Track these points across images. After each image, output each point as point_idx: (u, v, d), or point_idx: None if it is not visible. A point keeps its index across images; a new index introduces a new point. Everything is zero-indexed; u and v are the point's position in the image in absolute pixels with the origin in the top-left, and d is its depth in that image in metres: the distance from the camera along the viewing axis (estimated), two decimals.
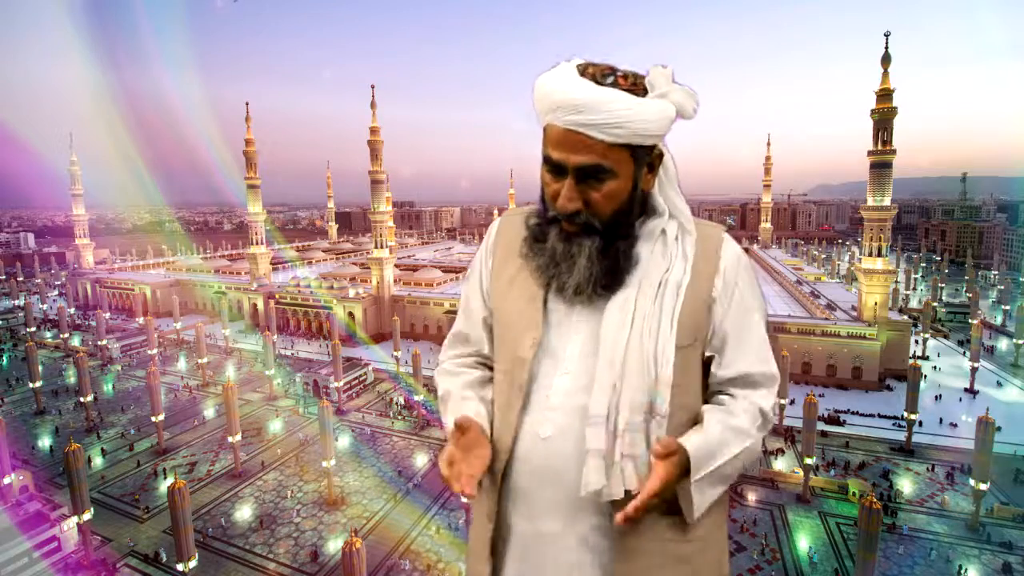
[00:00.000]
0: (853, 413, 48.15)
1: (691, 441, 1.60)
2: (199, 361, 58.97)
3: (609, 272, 1.67)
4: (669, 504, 1.65)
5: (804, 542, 31.44)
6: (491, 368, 2.00)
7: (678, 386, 1.64)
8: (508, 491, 1.79)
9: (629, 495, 1.59)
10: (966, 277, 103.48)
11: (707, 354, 1.76)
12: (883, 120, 55.19)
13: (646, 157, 1.66)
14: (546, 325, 1.76)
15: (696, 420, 1.70)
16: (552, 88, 1.58)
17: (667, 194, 1.79)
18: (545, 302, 1.78)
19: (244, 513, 34.83)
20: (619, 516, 1.52)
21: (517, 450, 1.75)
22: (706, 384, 1.79)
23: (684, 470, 1.58)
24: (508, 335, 1.83)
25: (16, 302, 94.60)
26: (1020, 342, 61.52)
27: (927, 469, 39.15)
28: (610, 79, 1.56)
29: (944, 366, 60.09)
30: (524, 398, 1.74)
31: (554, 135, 1.60)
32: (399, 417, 49.31)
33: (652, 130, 1.58)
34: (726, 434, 1.64)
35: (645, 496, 1.50)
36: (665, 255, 1.72)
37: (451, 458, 1.65)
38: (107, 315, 79.23)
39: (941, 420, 46.26)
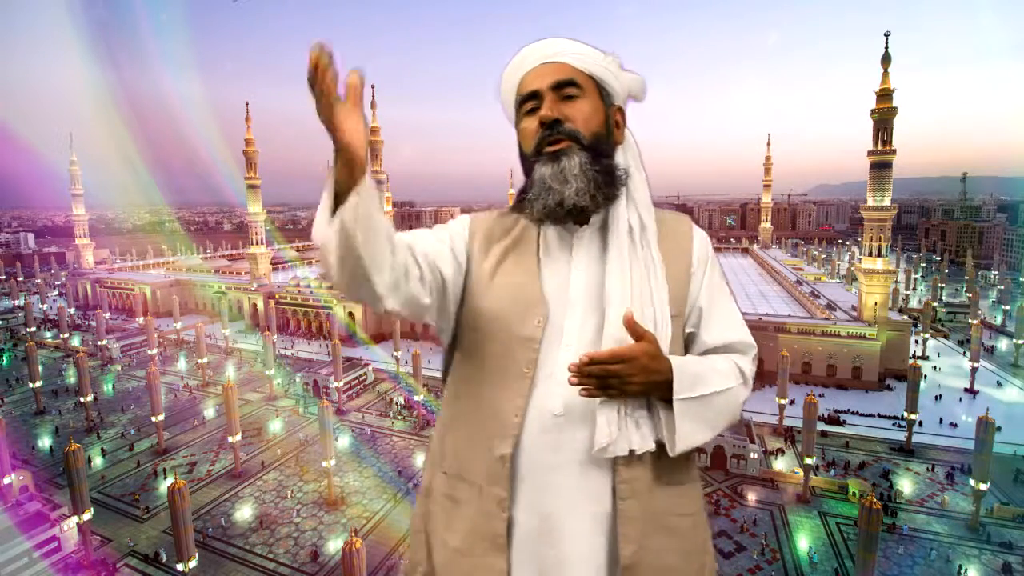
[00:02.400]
0: (853, 413, 48.13)
1: (672, 358, 1.65)
2: (199, 361, 58.95)
3: (606, 179, 1.71)
4: (663, 473, 1.72)
5: (804, 542, 31.43)
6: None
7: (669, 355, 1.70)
8: (516, 476, 1.75)
9: (633, 455, 1.67)
10: (966, 277, 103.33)
11: (687, 330, 1.85)
12: (883, 120, 55.15)
13: (609, 100, 1.79)
14: (545, 303, 1.78)
15: None
16: (523, 50, 1.80)
17: (630, 167, 1.86)
18: (539, 278, 1.82)
19: (244, 513, 34.82)
20: (571, 365, 1.53)
21: (526, 430, 1.73)
22: None
23: (666, 387, 1.61)
24: (506, 318, 1.77)
25: (16, 302, 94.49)
26: (1020, 342, 61.48)
27: (927, 469, 39.13)
28: None
29: (944, 366, 60.03)
30: (531, 378, 1.73)
31: (527, 77, 1.77)
32: (399, 417, 49.31)
33: (609, 69, 1.77)
34: (707, 371, 1.69)
35: (604, 354, 1.54)
36: (641, 229, 1.79)
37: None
38: (107, 315, 79.25)
39: (941, 420, 46.22)
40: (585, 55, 1.74)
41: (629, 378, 1.55)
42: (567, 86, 1.71)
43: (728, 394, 1.70)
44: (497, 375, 1.78)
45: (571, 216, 1.73)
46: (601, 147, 1.73)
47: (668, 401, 1.62)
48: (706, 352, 1.84)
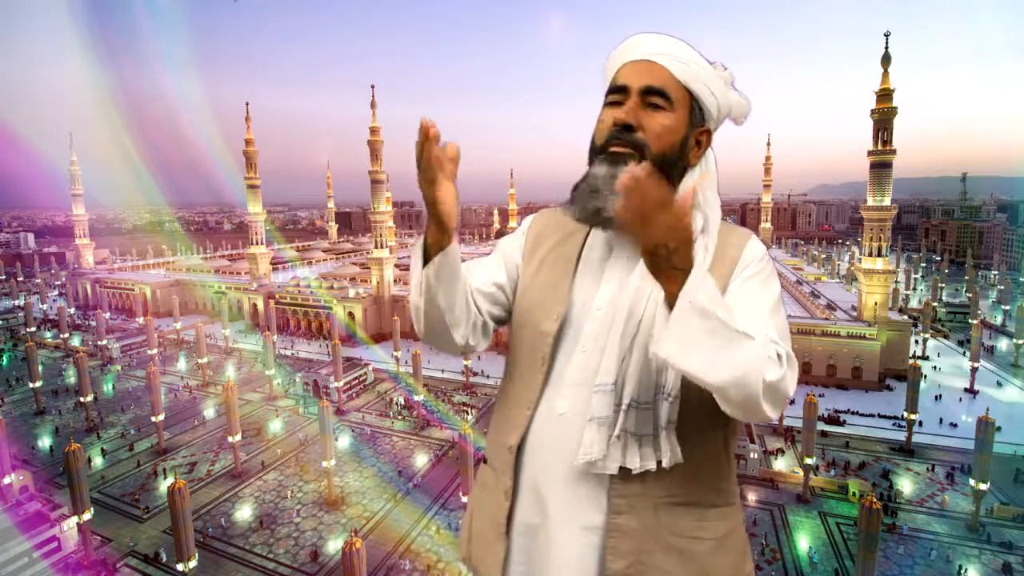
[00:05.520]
0: (853, 413, 48.15)
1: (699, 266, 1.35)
2: (199, 361, 58.93)
3: None
4: (678, 491, 1.63)
5: (804, 542, 31.44)
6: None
7: None
8: (521, 468, 1.79)
9: (627, 473, 1.58)
10: (966, 277, 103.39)
11: None
12: (883, 120, 55.16)
13: (699, 120, 1.73)
14: (571, 303, 1.79)
15: (712, 406, 1.44)
16: (634, 37, 1.75)
17: (706, 190, 1.77)
18: (572, 282, 1.82)
19: (244, 513, 34.82)
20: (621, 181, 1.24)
21: (533, 425, 1.76)
22: None
23: (677, 276, 1.31)
24: (533, 311, 1.84)
25: (16, 302, 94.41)
26: (1020, 342, 61.50)
27: (927, 469, 39.14)
28: None
29: (944, 366, 60.08)
30: (545, 373, 1.76)
31: (625, 68, 1.72)
32: (399, 417, 49.28)
33: (711, 85, 1.70)
34: (734, 308, 1.38)
35: (645, 170, 1.22)
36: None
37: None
38: (107, 315, 79.12)
39: (941, 420, 46.24)
40: (690, 65, 1.68)
41: (658, 215, 1.24)
42: (656, 95, 1.66)
43: (748, 346, 1.32)
44: (521, 368, 1.84)
45: (610, 226, 1.64)
46: (665, 167, 1.65)
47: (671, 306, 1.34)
48: None
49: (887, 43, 53.26)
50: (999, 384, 54.99)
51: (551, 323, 1.76)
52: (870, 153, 55.95)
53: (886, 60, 53.79)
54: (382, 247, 74.38)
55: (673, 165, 1.69)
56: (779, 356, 1.40)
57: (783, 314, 1.68)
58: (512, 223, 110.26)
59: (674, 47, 1.69)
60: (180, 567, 27.30)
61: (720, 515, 1.71)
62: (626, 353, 1.62)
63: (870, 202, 56.93)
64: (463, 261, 1.83)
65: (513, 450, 1.78)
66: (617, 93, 1.70)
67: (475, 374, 57.27)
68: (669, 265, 1.31)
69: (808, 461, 35.48)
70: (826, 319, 59.23)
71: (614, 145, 1.66)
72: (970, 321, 66.28)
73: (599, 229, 1.79)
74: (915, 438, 42.32)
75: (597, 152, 1.70)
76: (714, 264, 1.70)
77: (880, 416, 47.66)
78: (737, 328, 1.32)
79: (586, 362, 1.69)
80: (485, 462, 2.02)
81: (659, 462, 1.60)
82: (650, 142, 1.64)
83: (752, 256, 1.71)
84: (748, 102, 1.80)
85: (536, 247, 1.96)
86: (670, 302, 1.34)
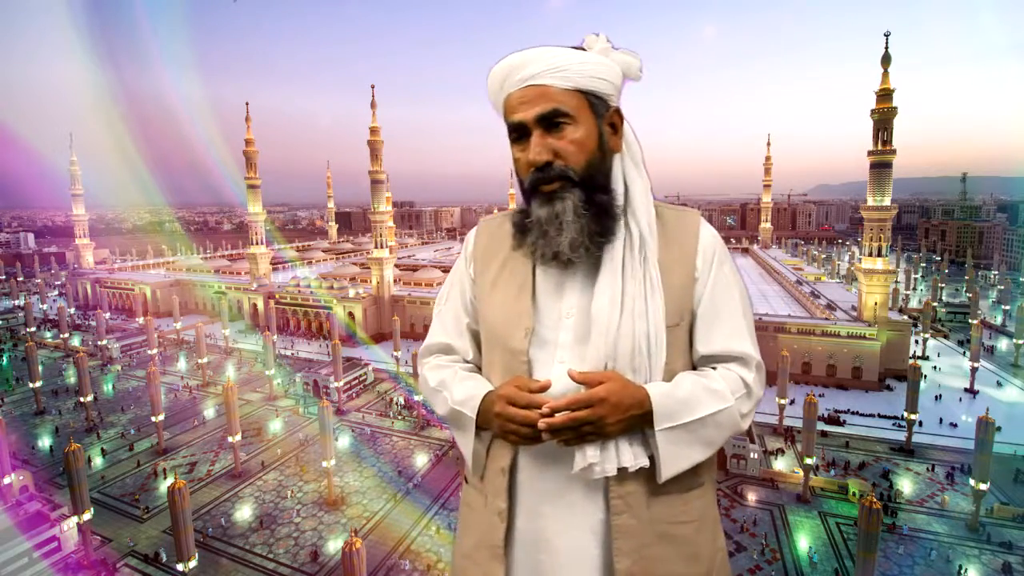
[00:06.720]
0: (853, 413, 48.13)
1: (655, 386, 1.63)
2: (199, 361, 58.92)
3: (599, 221, 1.67)
4: (661, 485, 1.68)
5: (804, 542, 31.43)
6: (478, 370, 1.99)
7: (666, 365, 1.69)
8: (515, 486, 1.80)
9: (624, 472, 1.63)
10: (966, 277, 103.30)
11: (693, 334, 1.80)
12: (883, 120, 55.15)
13: (604, 110, 1.70)
14: (537, 316, 1.78)
15: None
16: (500, 64, 1.69)
17: (628, 171, 1.79)
18: (534, 294, 1.80)
19: (244, 513, 34.82)
20: (542, 421, 1.53)
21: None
22: (693, 364, 1.83)
23: (646, 417, 1.59)
24: (499, 331, 1.83)
25: (16, 302, 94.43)
26: (1020, 342, 61.45)
27: (927, 469, 39.12)
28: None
29: (944, 366, 60.05)
30: None
31: (511, 101, 1.68)
32: (399, 417, 49.29)
33: (596, 73, 1.64)
34: (698, 392, 1.64)
35: (562, 401, 1.54)
36: (640, 240, 1.73)
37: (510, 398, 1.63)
38: (107, 315, 79.12)
39: (941, 420, 46.23)
40: (567, 69, 1.61)
41: (602, 420, 1.53)
42: (552, 117, 1.62)
43: (724, 414, 1.65)
44: None
45: (568, 265, 1.73)
46: (595, 177, 1.68)
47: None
48: (703, 359, 1.77)
49: (887, 43, 53.25)
50: (999, 384, 54.97)
51: (521, 340, 1.75)
52: (870, 153, 55.93)
53: (886, 60, 53.75)
54: (382, 247, 74.34)
55: (601, 168, 1.71)
56: (746, 385, 1.71)
57: (749, 306, 1.84)
58: None
59: (543, 60, 1.62)
60: (180, 567, 27.29)
61: (698, 495, 1.78)
62: (609, 359, 1.63)
63: (870, 202, 56.91)
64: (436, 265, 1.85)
65: (506, 471, 1.78)
66: (517, 130, 1.68)
67: None
68: (627, 424, 1.59)
69: (808, 461, 35.44)
70: (826, 319, 59.16)
71: (542, 185, 1.67)
72: (970, 321, 66.27)
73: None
74: (915, 438, 42.30)
75: (528, 193, 1.71)
76: (668, 248, 1.75)
77: (880, 416, 47.63)
78: (707, 412, 1.63)
79: (565, 374, 1.69)
80: (467, 482, 1.99)
81: (651, 457, 1.64)
82: (571, 164, 1.64)
83: (712, 246, 1.79)
84: (634, 54, 1.72)
85: (485, 267, 1.94)
86: (649, 428, 1.63)
